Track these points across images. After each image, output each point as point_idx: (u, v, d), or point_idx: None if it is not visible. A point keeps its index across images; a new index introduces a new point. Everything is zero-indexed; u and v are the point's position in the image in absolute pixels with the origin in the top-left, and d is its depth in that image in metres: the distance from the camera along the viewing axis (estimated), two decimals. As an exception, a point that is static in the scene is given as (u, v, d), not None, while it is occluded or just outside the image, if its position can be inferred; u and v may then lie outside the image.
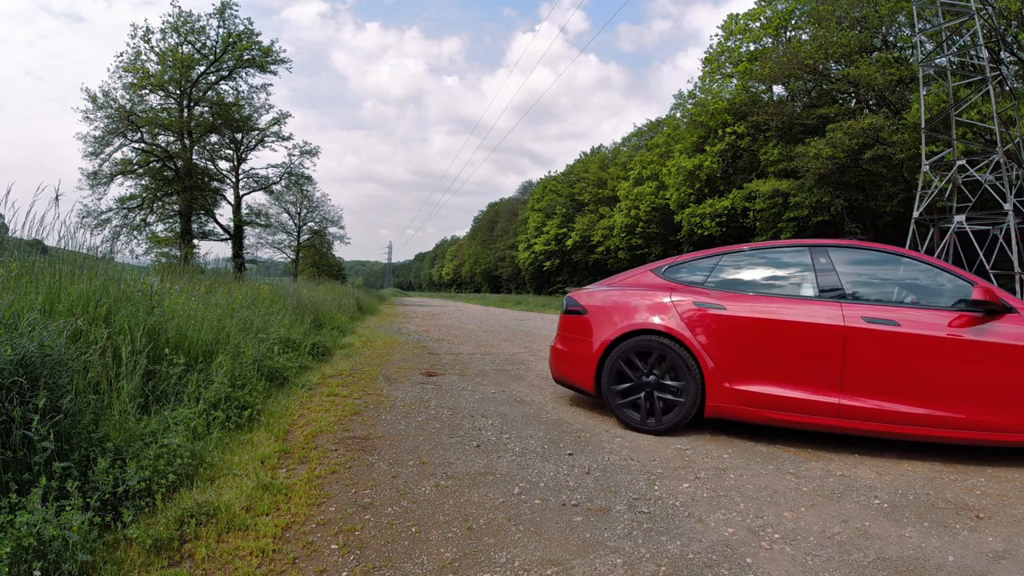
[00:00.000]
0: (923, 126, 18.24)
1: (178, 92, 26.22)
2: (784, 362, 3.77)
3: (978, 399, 3.44)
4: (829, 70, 25.94)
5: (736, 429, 4.18)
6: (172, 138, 26.60)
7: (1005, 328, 3.47)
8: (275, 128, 28.75)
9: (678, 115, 34.95)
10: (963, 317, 3.55)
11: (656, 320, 4.11)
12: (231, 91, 27.88)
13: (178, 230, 27.13)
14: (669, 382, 4.02)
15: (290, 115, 30.11)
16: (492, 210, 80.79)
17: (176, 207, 27.10)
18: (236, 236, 29.34)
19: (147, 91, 25.59)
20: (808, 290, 3.93)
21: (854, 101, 26.91)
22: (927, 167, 18.06)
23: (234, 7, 26.34)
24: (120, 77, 25.21)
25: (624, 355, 4.15)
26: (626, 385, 4.15)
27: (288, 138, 29.33)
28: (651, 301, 4.23)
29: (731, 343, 3.90)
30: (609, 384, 4.20)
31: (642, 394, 4.09)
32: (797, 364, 3.73)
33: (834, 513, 2.74)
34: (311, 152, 30.60)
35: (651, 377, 4.07)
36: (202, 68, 26.41)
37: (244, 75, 27.68)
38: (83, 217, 24.45)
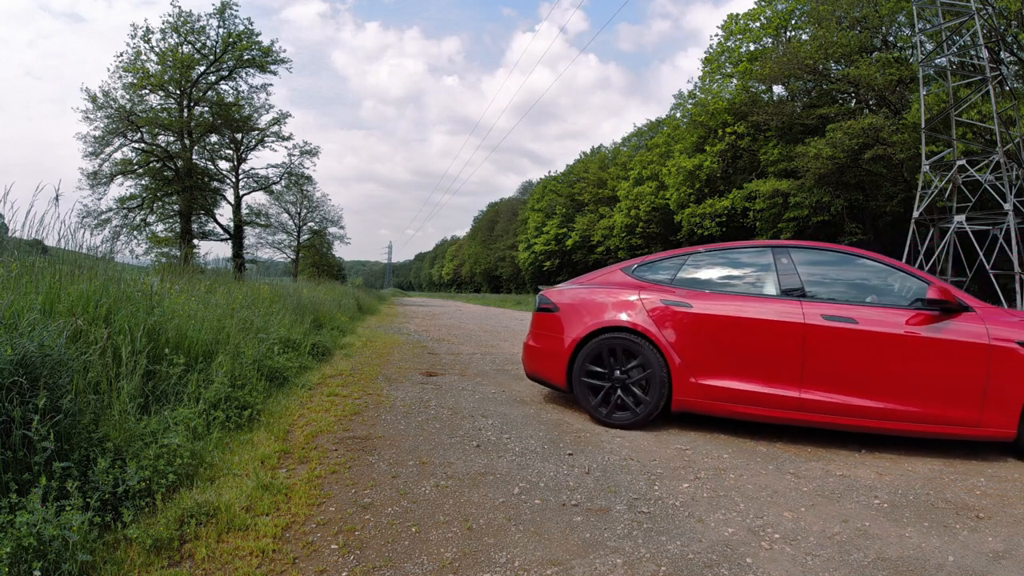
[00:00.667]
0: (923, 126, 18.24)
1: (178, 92, 26.20)
2: (747, 358, 3.91)
3: (936, 394, 3.59)
4: (829, 70, 25.94)
5: (736, 429, 4.18)
6: (172, 138, 26.58)
7: (962, 326, 3.62)
8: (275, 128, 28.75)
9: (678, 115, 34.96)
10: (920, 315, 3.69)
11: (624, 317, 4.23)
12: (231, 91, 27.90)
13: (178, 230, 27.11)
14: (637, 377, 4.13)
15: (290, 115, 30.14)
16: (492, 210, 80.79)
17: (176, 207, 27.08)
18: (236, 236, 29.32)
19: (147, 91, 25.57)
20: (770, 289, 4.07)
21: (854, 101, 26.92)
22: (927, 167, 18.07)
23: (234, 7, 26.34)
24: (120, 77, 25.22)
25: (594, 351, 4.26)
26: (596, 380, 4.26)
27: (288, 138, 29.33)
28: (620, 299, 4.35)
29: (697, 340, 4.04)
30: (579, 379, 4.30)
31: (612, 389, 4.20)
32: (759, 360, 3.88)
33: (834, 513, 2.74)
34: (311, 152, 30.61)
35: (620, 373, 4.18)
36: (202, 68, 26.39)
37: (244, 75, 27.69)
38: (83, 217, 24.45)
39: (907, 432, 3.67)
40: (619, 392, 4.18)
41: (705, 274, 4.32)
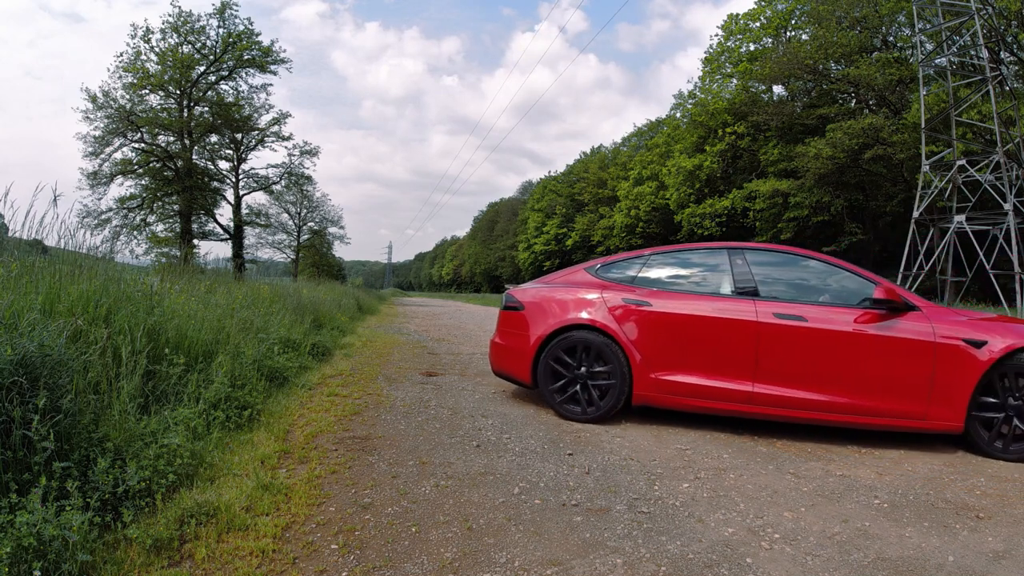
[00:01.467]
0: (923, 126, 18.24)
1: (178, 92, 26.21)
2: (703, 354, 4.08)
3: (883, 389, 3.77)
4: (829, 70, 25.94)
5: (736, 428, 4.19)
6: (172, 138, 26.60)
7: (908, 325, 3.80)
8: (275, 128, 28.77)
9: (678, 115, 34.98)
10: (868, 314, 3.86)
11: (587, 315, 4.36)
12: (231, 91, 27.92)
13: (178, 230, 27.12)
14: (599, 373, 4.27)
15: (290, 115, 30.15)
16: (492, 210, 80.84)
17: (176, 207, 27.10)
18: (236, 236, 29.33)
19: (147, 91, 25.59)
20: (726, 288, 4.24)
21: (854, 101, 26.92)
22: (927, 167, 18.07)
23: (234, 7, 26.36)
24: (120, 77, 25.24)
25: (558, 348, 4.38)
26: (560, 377, 4.38)
27: (288, 138, 29.35)
28: (583, 298, 4.48)
29: (656, 337, 4.20)
30: (544, 376, 4.42)
31: (575, 385, 4.33)
32: (715, 356, 4.05)
33: (834, 513, 2.74)
34: (311, 152, 30.62)
35: (583, 369, 4.31)
36: (202, 68, 26.41)
37: (244, 75, 27.72)
38: (83, 217, 24.51)
39: (856, 425, 3.86)
40: (582, 388, 4.30)
41: (664, 274, 4.48)
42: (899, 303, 3.81)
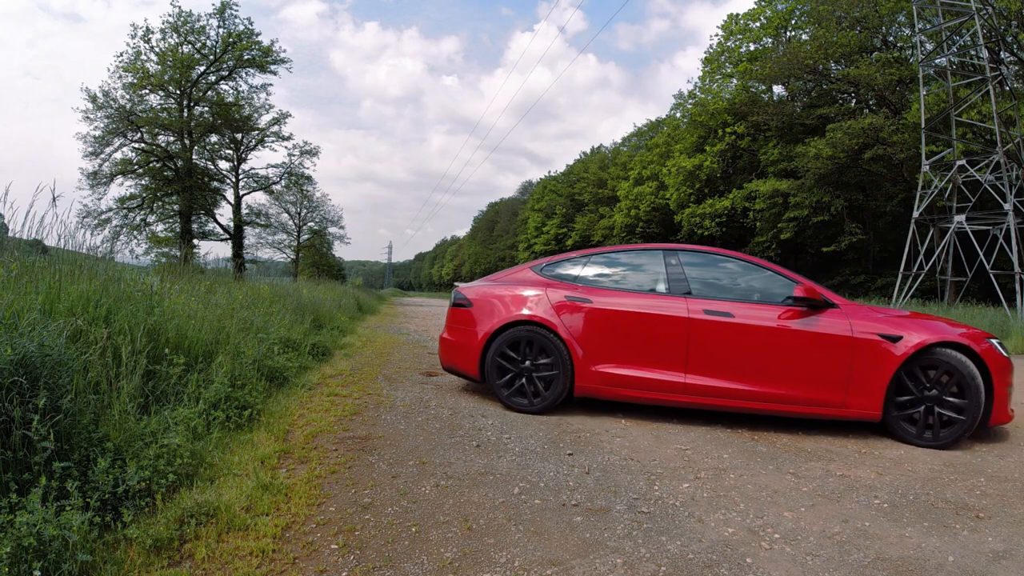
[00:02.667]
0: (923, 126, 18.24)
1: (178, 92, 26.19)
2: (640, 348, 4.33)
3: (804, 379, 4.03)
4: (829, 70, 25.95)
5: (736, 427, 4.19)
6: (172, 138, 26.56)
7: (827, 321, 4.07)
8: (275, 128, 28.69)
9: (678, 115, 34.95)
10: (790, 311, 4.14)
11: (531, 312, 4.58)
12: (231, 91, 27.84)
13: (178, 230, 27.10)
14: (543, 366, 4.48)
15: (290, 115, 30.12)
16: (492, 210, 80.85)
17: (176, 207, 27.07)
18: (236, 236, 29.30)
19: (147, 91, 25.56)
20: (661, 286, 4.50)
21: (854, 101, 26.93)
22: (927, 167, 18.07)
23: (234, 7, 26.31)
24: (120, 77, 25.19)
25: (505, 343, 4.58)
26: (506, 370, 4.58)
27: (288, 138, 29.29)
28: (528, 295, 4.69)
29: (595, 332, 4.42)
30: (491, 370, 4.60)
31: (521, 378, 4.54)
32: (650, 349, 4.30)
33: (834, 513, 2.74)
34: (311, 152, 30.56)
35: (528, 363, 4.52)
36: (202, 68, 26.37)
37: (244, 75, 27.63)
38: (83, 217, 24.48)
39: (780, 412, 4.12)
40: (528, 380, 4.50)
41: (604, 272, 4.72)
42: (818, 300, 4.08)
